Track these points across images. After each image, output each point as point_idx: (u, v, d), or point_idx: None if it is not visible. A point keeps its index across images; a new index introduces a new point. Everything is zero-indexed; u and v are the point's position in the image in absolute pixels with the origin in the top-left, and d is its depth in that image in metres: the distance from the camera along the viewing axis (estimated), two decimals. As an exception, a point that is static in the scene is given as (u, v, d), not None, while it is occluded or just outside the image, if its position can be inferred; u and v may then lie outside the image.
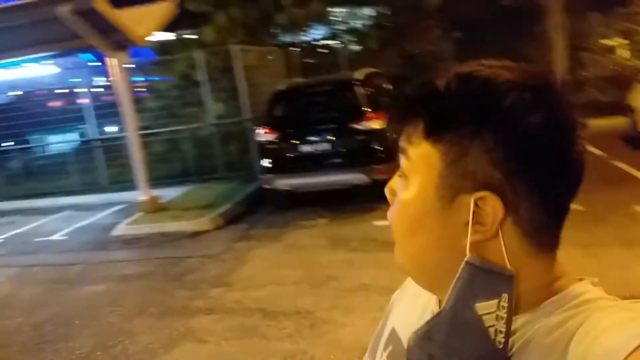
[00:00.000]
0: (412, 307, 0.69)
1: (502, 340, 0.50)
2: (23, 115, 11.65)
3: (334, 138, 6.45)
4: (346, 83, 6.79)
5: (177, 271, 5.16)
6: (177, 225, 6.58)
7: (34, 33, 7.16)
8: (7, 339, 4.08)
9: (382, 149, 6.17)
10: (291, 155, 6.51)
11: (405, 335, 0.62)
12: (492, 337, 0.50)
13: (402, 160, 0.58)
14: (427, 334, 0.53)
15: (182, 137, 9.82)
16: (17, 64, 7.69)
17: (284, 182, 6.49)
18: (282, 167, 6.49)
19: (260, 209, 7.01)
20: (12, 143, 10.88)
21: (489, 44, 11.43)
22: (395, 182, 0.61)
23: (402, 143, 0.58)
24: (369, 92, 6.60)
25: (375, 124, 6.22)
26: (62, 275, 5.52)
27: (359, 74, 6.84)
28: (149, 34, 7.62)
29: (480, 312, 0.51)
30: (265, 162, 6.65)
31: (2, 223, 8.54)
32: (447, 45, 13.09)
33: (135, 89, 12.32)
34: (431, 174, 0.55)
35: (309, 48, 13.24)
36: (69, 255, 6.22)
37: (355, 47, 13.75)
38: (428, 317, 0.60)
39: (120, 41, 7.17)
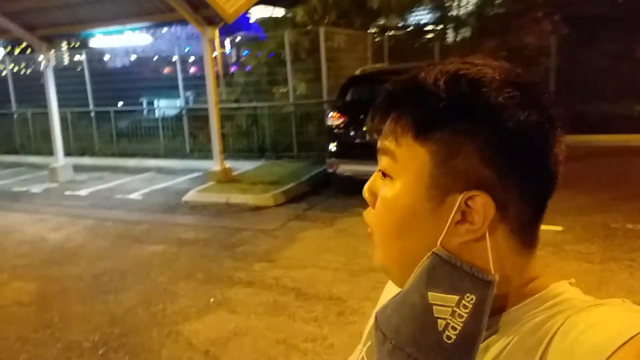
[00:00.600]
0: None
1: (453, 336, 0.50)
2: (127, 80, 12.53)
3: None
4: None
5: (231, 241, 5.35)
6: (241, 198, 6.80)
7: (132, 4, 7.66)
8: (69, 285, 4.47)
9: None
10: (357, 141, 6.46)
11: None
12: (440, 328, 0.50)
13: (385, 160, 0.57)
14: (383, 309, 0.56)
15: (263, 113, 10.07)
16: (118, 31, 8.24)
17: (347, 168, 6.47)
18: (347, 152, 6.46)
19: (323, 191, 7.07)
20: (114, 106, 11.75)
21: (600, 43, 10.50)
22: (374, 184, 0.60)
23: (385, 142, 0.57)
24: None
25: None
26: (128, 232, 5.93)
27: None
28: (238, 12, 7.83)
29: (431, 301, 0.51)
30: (332, 146, 6.66)
31: (92, 178, 9.34)
32: (553, 40, 12.21)
33: (231, 63, 12.84)
34: (421, 174, 0.54)
35: (403, 34, 12.94)
36: (139, 215, 6.67)
37: (453, 35, 13.23)
38: None
39: (210, 17, 7.46)
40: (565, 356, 0.46)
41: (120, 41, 9.23)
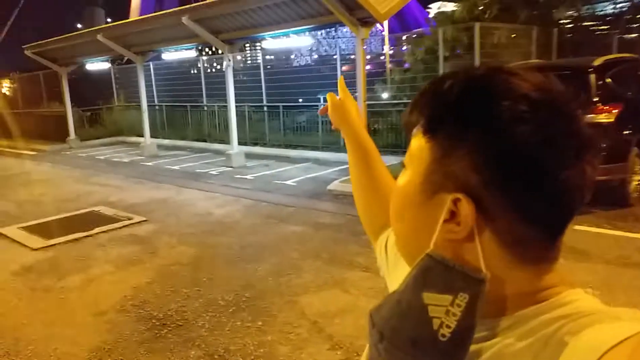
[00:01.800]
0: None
1: (447, 334, 0.51)
2: (295, 78, 13.71)
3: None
4: (578, 69, 6.09)
5: (359, 229, 5.61)
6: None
7: (296, 9, 8.43)
8: (219, 251, 5.29)
9: (605, 146, 5.45)
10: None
11: None
12: (435, 327, 0.51)
13: (407, 152, 0.62)
14: (378, 308, 0.58)
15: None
16: (284, 34, 9.14)
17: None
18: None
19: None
20: (283, 102, 12.96)
21: None
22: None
23: (412, 134, 0.61)
24: (604, 82, 5.81)
25: (603, 118, 5.51)
26: (277, 213, 6.67)
27: (598, 61, 6.04)
28: (390, 12, 8.10)
29: (426, 301, 0.52)
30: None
31: (260, 164, 10.52)
32: None
33: (386, 61, 13.17)
34: (420, 167, 0.57)
35: (578, 27, 11.84)
36: (290, 199, 7.40)
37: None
38: None
39: (364, 18, 7.86)
40: (562, 355, 0.47)
41: (286, 43, 10.13)
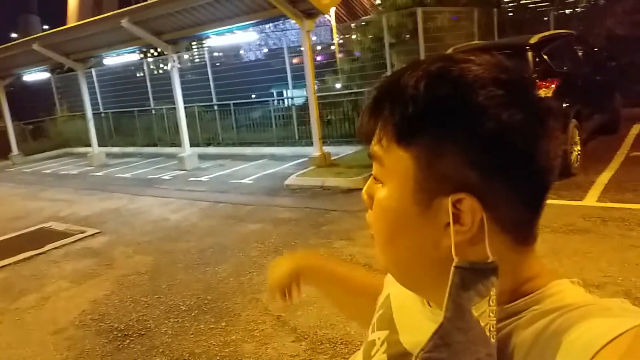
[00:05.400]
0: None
1: (494, 334, 0.49)
2: (242, 75, 13.59)
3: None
4: (516, 48, 6.30)
5: (319, 221, 5.75)
6: (335, 181, 7.17)
7: (239, 4, 8.35)
8: (177, 257, 5.21)
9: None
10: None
11: (398, 304, 0.70)
12: (488, 334, 0.49)
13: (375, 166, 0.58)
14: (435, 348, 0.50)
15: (365, 99, 10.30)
16: (229, 30, 9.03)
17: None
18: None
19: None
20: (233, 100, 12.82)
21: None
22: (371, 186, 0.60)
23: (374, 148, 0.57)
24: (541, 59, 6.05)
25: (542, 93, 5.72)
26: (235, 212, 6.63)
27: (534, 38, 6.27)
28: (332, 3, 8.16)
29: (476, 314, 0.49)
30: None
31: (214, 165, 10.39)
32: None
33: (335, 51, 13.22)
34: (406, 179, 0.54)
35: (517, 6, 12.24)
36: (247, 197, 7.36)
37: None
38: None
39: (307, 10, 7.88)
40: (556, 353, 0.46)
41: (232, 40, 10.03)
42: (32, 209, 8.29)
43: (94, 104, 13.66)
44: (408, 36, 10.10)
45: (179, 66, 10.08)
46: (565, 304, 0.50)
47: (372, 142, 0.57)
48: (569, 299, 0.52)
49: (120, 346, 3.54)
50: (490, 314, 0.49)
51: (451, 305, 0.50)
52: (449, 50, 7.10)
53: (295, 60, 12.52)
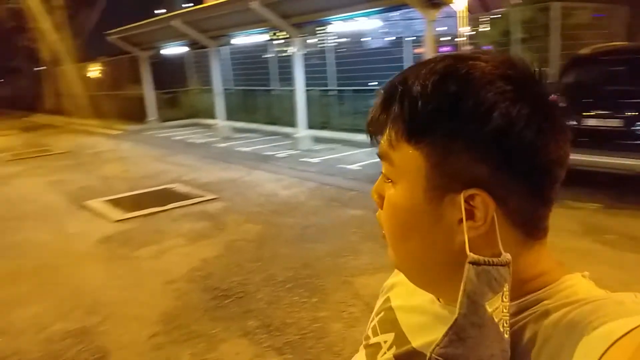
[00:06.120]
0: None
1: (507, 330, 0.50)
2: (364, 62, 13.67)
3: (633, 114, 5.59)
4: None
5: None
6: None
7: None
8: (282, 231, 5.47)
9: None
10: (574, 127, 5.98)
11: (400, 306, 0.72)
12: (502, 330, 0.49)
13: (385, 165, 0.58)
14: (450, 343, 0.50)
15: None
16: (352, 17, 9.13)
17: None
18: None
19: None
20: (351, 86, 12.98)
21: None
22: (380, 186, 0.61)
23: (383, 147, 0.58)
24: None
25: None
26: (339, 196, 6.77)
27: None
28: (461, -8, 7.88)
29: (490, 310, 0.49)
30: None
31: (326, 148, 10.66)
32: None
33: (461, 43, 12.75)
34: (417, 177, 0.54)
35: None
36: (352, 183, 7.47)
37: None
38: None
39: (432, -1, 7.71)
40: (572, 346, 0.46)
41: (354, 26, 10.12)
42: (160, 170, 9.16)
43: (222, 80, 14.56)
44: (541, 33, 9.45)
45: (304, 51, 10.40)
46: (578, 299, 0.50)
47: (381, 141, 0.58)
48: (581, 294, 0.52)
49: (220, 305, 3.83)
50: (504, 310, 0.50)
51: (466, 301, 0.49)
52: (583, 51, 6.57)
53: (417, 50, 12.31)
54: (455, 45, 14.23)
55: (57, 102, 22.50)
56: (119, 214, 6.36)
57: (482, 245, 0.52)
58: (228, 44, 13.62)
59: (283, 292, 3.98)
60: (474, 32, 12.85)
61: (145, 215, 6.28)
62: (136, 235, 5.59)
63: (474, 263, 0.50)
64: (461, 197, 0.52)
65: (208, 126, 15.27)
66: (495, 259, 0.50)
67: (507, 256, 0.50)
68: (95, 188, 7.98)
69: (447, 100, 0.52)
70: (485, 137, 0.51)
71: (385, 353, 0.68)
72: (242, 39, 12.95)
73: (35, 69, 24.97)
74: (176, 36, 13.42)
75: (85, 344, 3.39)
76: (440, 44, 13.67)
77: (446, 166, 0.53)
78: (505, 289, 0.50)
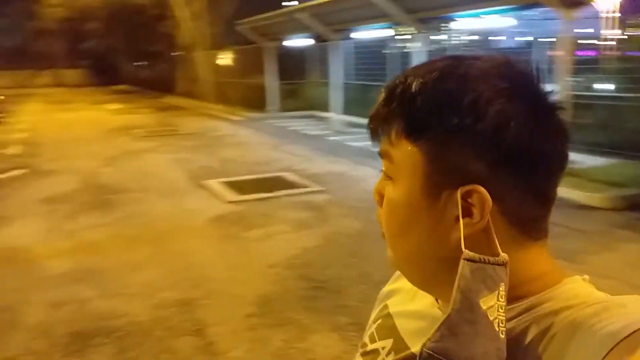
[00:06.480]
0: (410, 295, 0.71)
1: (503, 330, 0.49)
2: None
3: None
4: None
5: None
6: (571, 193, 6.42)
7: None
8: (380, 230, 5.37)
9: None
10: None
11: (397, 311, 0.71)
12: (497, 329, 0.49)
13: (385, 163, 0.59)
14: (442, 338, 0.49)
15: (633, 105, 8.84)
16: (477, 15, 8.68)
17: None
18: None
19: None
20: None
21: None
22: (381, 185, 0.62)
23: (383, 145, 0.59)
24: None
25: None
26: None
27: None
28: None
29: (484, 307, 0.49)
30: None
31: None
32: None
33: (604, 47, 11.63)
34: (416, 173, 0.55)
35: None
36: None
37: None
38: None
39: (571, -2, 7.07)
40: (575, 348, 0.46)
41: (479, 24, 9.64)
42: (274, 158, 9.51)
43: (344, 75, 14.69)
44: None
45: (428, 47, 10.12)
46: (580, 301, 0.51)
47: (382, 141, 0.59)
48: (582, 297, 0.52)
49: (314, 296, 3.87)
50: (499, 309, 0.49)
51: (459, 297, 0.49)
52: None
53: (552, 53, 11.43)
54: (598, 49, 13.04)
55: (188, 86, 24.32)
56: (232, 195, 6.70)
57: (480, 244, 0.52)
58: (347, 38, 13.71)
59: (375, 293, 3.86)
60: (625, 37, 11.64)
61: (256, 200, 6.54)
62: (246, 217, 5.84)
63: (469, 260, 0.50)
64: (458, 194, 0.52)
65: (323, 119, 15.55)
66: (491, 258, 0.50)
67: (504, 256, 0.51)
68: (214, 169, 8.49)
69: (445, 97, 0.53)
70: (482, 134, 0.51)
71: (383, 359, 0.68)
72: (364, 34, 12.96)
73: (172, 54, 27.14)
74: (301, 28, 13.79)
75: (187, 314, 3.61)
76: (579, 47, 12.58)
77: (444, 162, 0.53)
78: (501, 289, 0.50)
